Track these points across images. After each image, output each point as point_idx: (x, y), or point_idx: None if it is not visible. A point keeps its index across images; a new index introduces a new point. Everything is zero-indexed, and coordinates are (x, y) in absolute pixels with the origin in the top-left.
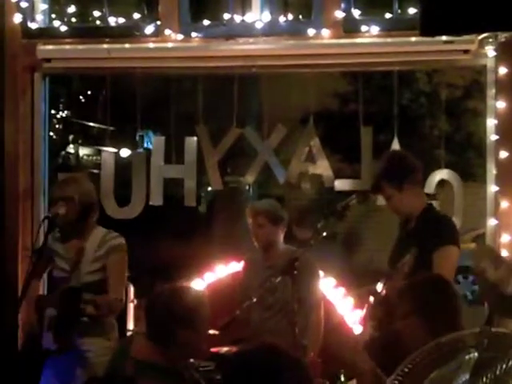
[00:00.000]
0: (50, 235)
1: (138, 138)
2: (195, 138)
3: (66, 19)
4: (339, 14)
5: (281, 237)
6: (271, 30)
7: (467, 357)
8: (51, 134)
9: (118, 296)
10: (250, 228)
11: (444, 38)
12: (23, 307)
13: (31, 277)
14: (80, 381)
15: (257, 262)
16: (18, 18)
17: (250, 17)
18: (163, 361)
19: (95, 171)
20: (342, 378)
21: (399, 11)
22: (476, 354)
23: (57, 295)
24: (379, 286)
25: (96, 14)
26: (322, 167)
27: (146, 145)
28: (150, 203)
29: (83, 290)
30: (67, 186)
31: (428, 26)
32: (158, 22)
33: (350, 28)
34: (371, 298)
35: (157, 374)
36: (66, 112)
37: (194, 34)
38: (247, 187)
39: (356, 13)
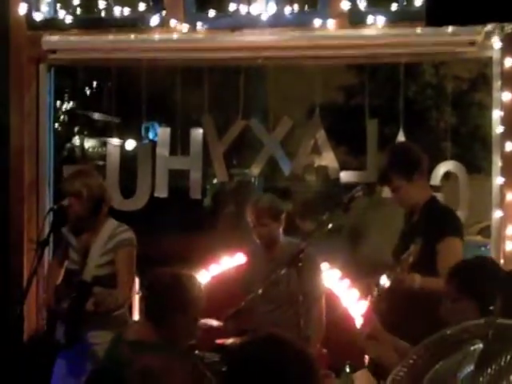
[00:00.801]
0: (64, 227)
1: (143, 129)
2: (201, 130)
3: (71, 10)
4: (345, 5)
5: (281, 230)
6: (277, 21)
7: (472, 348)
8: (56, 125)
9: (125, 290)
10: (252, 227)
11: (450, 29)
12: (38, 298)
13: (36, 268)
14: None
15: (259, 254)
16: (23, 9)
17: (255, 8)
18: (157, 340)
19: (100, 163)
20: (348, 370)
21: (405, 2)
22: (481, 345)
23: (70, 288)
24: (383, 279)
25: (101, 4)
26: (328, 159)
27: (151, 136)
28: (155, 195)
29: (93, 284)
30: (75, 180)
31: (434, 16)
32: (164, 13)
33: (355, 19)
34: (375, 291)
35: (151, 350)
36: (71, 104)
37: (199, 25)
38: (253, 179)
39: (362, 4)
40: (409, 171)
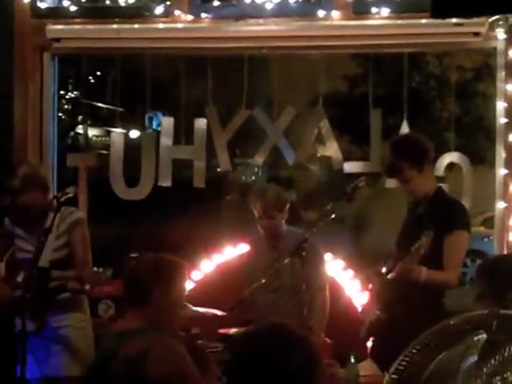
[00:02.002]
0: (7, 219)
1: (146, 119)
2: (204, 120)
3: None
4: None
5: (284, 220)
6: (281, 11)
7: (476, 338)
8: (60, 114)
9: (90, 268)
10: (258, 218)
11: (454, 20)
12: None
13: (38, 255)
14: (58, 357)
15: (262, 244)
16: None
17: None
18: (142, 324)
19: (104, 152)
20: (353, 360)
21: None
22: (484, 336)
23: (25, 277)
24: (385, 268)
25: None
26: (331, 149)
27: (154, 126)
28: (159, 184)
29: (51, 268)
30: (37, 172)
31: (438, 8)
32: (168, 3)
33: (360, 10)
34: (378, 279)
35: (135, 336)
36: (75, 93)
37: (203, 15)
38: (256, 169)
39: None
40: (420, 162)
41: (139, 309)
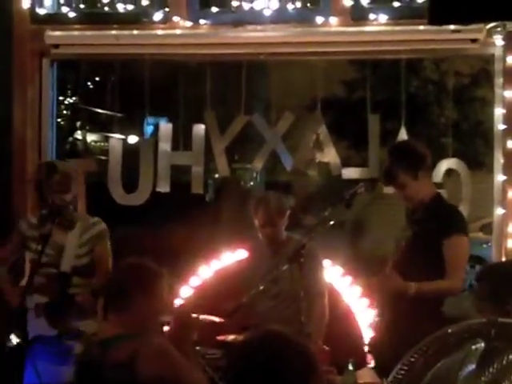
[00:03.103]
0: (23, 221)
1: (152, 128)
2: (203, 125)
3: (74, 5)
4: (347, 2)
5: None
6: (279, 18)
7: (474, 347)
8: (59, 119)
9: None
10: (260, 226)
11: (452, 26)
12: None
13: (39, 261)
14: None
15: (260, 250)
16: (26, 4)
17: (258, 4)
18: (122, 331)
19: (103, 157)
20: (351, 367)
21: (408, 0)
22: (483, 344)
23: (46, 281)
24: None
25: None
26: (330, 155)
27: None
28: (157, 190)
29: (73, 274)
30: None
31: (436, 15)
32: (167, 9)
33: (358, 16)
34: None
35: (118, 342)
36: (73, 98)
37: (202, 21)
38: (254, 174)
39: (364, 1)
40: (414, 169)
41: (120, 315)
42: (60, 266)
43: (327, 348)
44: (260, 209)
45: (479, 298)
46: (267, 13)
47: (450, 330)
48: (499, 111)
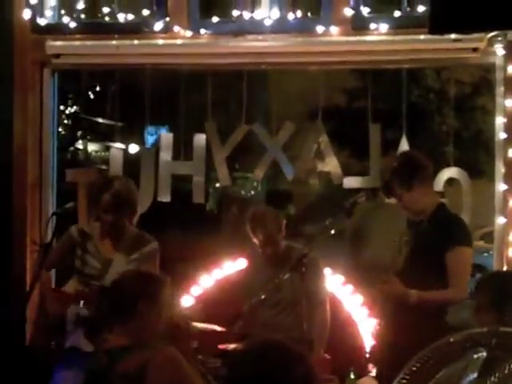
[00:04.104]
0: (75, 228)
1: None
2: (204, 135)
3: (75, 15)
4: (348, 12)
5: None
6: (280, 27)
7: (475, 356)
8: (60, 129)
9: None
10: (258, 244)
11: (453, 36)
12: (39, 301)
13: (39, 271)
14: None
15: (259, 259)
16: (27, 14)
17: (258, 13)
18: (128, 341)
19: (103, 167)
20: (352, 376)
21: (408, 9)
22: (485, 354)
23: (89, 293)
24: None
25: (105, 10)
26: (331, 164)
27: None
28: (158, 199)
29: None
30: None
31: (437, 24)
32: (167, 19)
33: (358, 25)
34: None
35: (125, 354)
36: (74, 108)
37: (202, 31)
38: (255, 183)
39: (365, 10)
40: (407, 180)
41: (126, 325)
42: (104, 280)
43: (328, 357)
44: (258, 230)
45: (478, 307)
46: (268, 22)
47: (451, 339)
48: (500, 120)
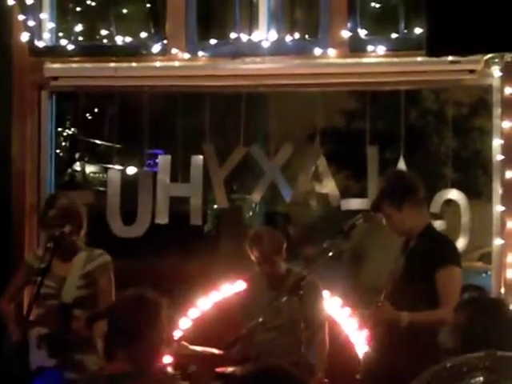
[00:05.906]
0: (30, 254)
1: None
2: (201, 157)
3: (73, 38)
4: (346, 34)
5: None
6: (278, 49)
7: (473, 380)
8: (58, 151)
9: None
10: (257, 263)
11: (450, 57)
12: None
13: (37, 296)
14: None
15: (259, 281)
16: (25, 37)
17: (256, 36)
18: (130, 367)
19: (101, 189)
20: None
21: (405, 31)
22: (481, 378)
23: (47, 313)
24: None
25: (103, 32)
26: (328, 187)
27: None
28: (156, 221)
29: (74, 306)
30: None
31: (434, 46)
32: (165, 41)
33: (356, 48)
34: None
35: (126, 380)
36: (72, 129)
37: (200, 53)
38: (253, 205)
39: (362, 32)
40: (398, 200)
41: (129, 350)
42: (61, 297)
43: (327, 380)
44: (254, 247)
45: (455, 328)
46: (265, 45)
47: (448, 364)
48: (497, 142)
